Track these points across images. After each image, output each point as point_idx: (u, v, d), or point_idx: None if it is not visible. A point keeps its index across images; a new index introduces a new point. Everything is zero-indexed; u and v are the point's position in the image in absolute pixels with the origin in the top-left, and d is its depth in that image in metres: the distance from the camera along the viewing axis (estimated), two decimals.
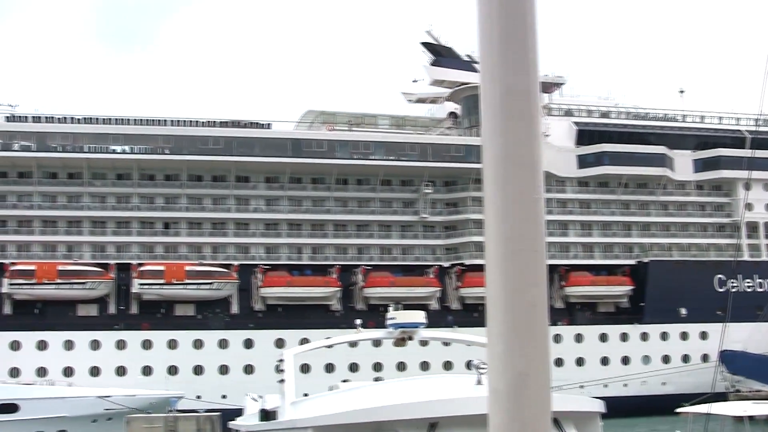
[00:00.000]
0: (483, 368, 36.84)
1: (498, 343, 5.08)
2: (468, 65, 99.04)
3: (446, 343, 78.49)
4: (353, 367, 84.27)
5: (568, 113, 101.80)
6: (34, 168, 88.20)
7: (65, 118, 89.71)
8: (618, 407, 45.39)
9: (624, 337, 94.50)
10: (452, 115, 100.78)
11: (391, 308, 65.46)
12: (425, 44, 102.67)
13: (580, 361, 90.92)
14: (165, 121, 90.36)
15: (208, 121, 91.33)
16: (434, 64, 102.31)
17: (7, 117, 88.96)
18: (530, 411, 5.28)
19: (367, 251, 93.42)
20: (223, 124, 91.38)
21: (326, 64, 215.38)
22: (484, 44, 5.20)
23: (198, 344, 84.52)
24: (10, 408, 60.90)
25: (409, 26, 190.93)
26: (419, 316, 65.53)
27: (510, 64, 5.08)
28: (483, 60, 5.19)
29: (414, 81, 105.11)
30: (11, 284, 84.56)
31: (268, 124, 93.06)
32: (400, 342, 67.36)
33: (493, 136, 5.32)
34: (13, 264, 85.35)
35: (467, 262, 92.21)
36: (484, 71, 5.23)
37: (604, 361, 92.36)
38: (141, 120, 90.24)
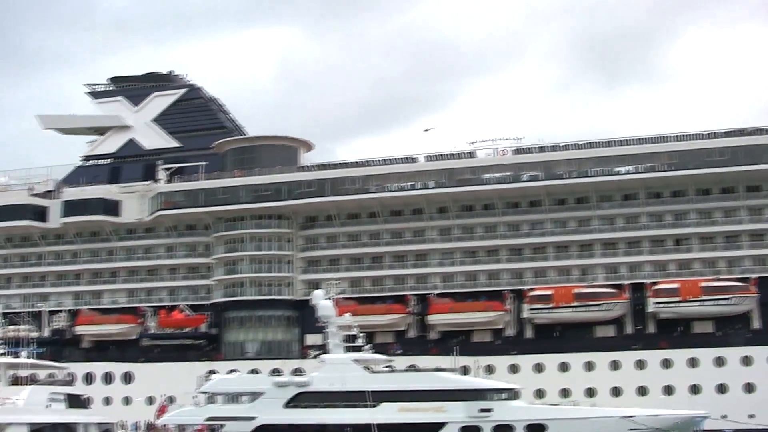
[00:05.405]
0: None
1: None
2: None
3: None
4: None
5: None
6: (544, 196, 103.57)
7: (568, 145, 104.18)
8: None
9: None
10: None
11: None
12: None
13: None
14: (667, 137, 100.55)
15: (711, 133, 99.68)
16: None
17: (515, 150, 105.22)
18: None
19: None
20: (727, 134, 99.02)
21: None
22: None
23: (719, 362, 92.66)
24: (539, 428, 68.98)
25: None
26: None
27: None
28: None
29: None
30: (531, 309, 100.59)
31: None
32: None
33: None
34: (532, 290, 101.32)
35: None
36: None
37: None
38: (643, 139, 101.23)
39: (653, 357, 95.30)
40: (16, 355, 68.44)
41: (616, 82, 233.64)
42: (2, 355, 66.89)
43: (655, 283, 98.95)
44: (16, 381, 66.18)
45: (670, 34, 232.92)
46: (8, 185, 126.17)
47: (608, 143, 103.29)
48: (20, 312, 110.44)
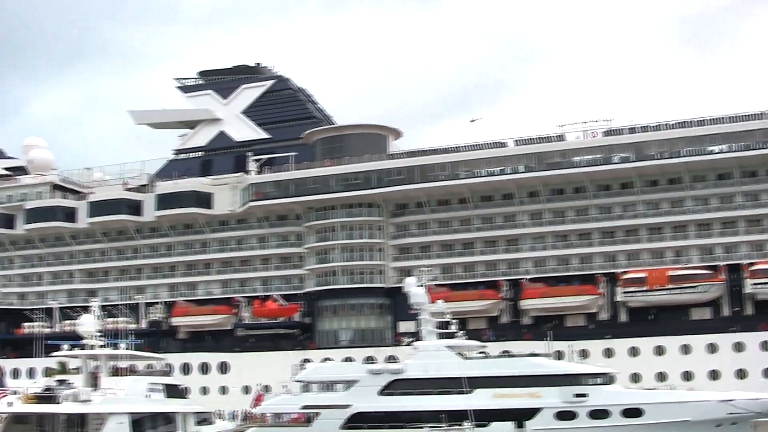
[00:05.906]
0: None
1: None
2: None
3: None
4: None
5: None
6: (635, 177, 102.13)
7: (659, 125, 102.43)
8: None
9: None
10: None
11: None
12: None
13: None
14: (761, 114, 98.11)
15: None
16: None
17: (605, 132, 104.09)
18: None
19: None
20: None
21: None
22: None
23: None
24: (635, 413, 68.21)
25: None
26: None
27: None
28: None
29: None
30: (625, 292, 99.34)
31: None
32: None
33: None
34: (625, 273, 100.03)
35: None
36: None
37: None
38: (736, 117, 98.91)
39: (752, 339, 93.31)
40: (116, 346, 69.95)
41: (708, 58, 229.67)
42: (102, 347, 68.39)
43: (752, 264, 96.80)
44: (116, 372, 67.62)
45: (764, 8, 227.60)
46: (104, 180, 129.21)
47: (700, 122, 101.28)
48: (118, 305, 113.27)
